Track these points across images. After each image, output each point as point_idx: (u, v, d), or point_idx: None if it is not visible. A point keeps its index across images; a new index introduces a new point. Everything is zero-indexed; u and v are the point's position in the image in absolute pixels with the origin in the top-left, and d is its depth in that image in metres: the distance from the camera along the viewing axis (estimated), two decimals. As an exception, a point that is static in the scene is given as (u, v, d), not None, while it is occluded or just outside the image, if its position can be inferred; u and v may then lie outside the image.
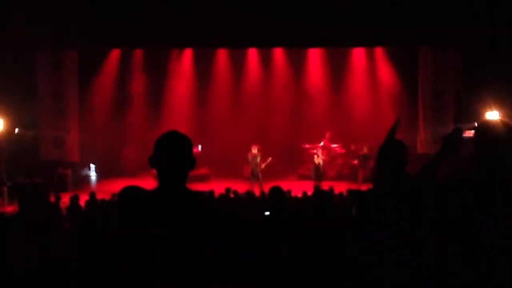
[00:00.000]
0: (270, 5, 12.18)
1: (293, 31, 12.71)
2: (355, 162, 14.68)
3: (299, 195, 8.99)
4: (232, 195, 9.06)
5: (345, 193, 8.90)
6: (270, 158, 13.07)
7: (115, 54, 15.30)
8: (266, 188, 6.57)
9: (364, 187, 10.40)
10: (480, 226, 2.70)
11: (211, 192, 8.18)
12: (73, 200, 8.28)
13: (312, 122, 15.49)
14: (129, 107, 15.70)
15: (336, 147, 15.20)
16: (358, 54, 15.60)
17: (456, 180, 3.13)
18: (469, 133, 2.62)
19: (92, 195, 8.67)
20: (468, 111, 12.95)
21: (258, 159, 13.02)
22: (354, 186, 10.95)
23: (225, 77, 15.95)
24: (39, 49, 13.71)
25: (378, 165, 2.85)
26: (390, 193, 2.71)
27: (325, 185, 11.40)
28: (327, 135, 15.04)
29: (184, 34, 12.97)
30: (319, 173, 13.25)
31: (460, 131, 2.60)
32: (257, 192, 10.75)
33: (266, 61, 15.89)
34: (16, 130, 13.29)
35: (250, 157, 13.10)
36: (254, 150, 13.06)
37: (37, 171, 12.66)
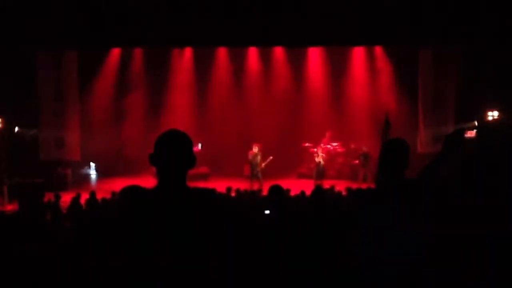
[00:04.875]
0: (270, 4, 12.18)
1: (293, 31, 12.72)
2: (355, 161, 14.71)
3: (299, 194, 8.98)
4: (233, 194, 9.06)
5: (344, 192, 8.91)
6: (270, 157, 13.07)
7: (115, 54, 15.31)
8: (266, 187, 6.57)
9: (364, 186, 10.41)
10: (479, 224, 2.71)
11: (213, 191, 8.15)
12: (75, 199, 8.29)
13: (312, 121, 15.50)
14: (129, 106, 15.71)
15: (336, 146, 15.23)
16: (358, 54, 15.61)
17: (457, 179, 3.14)
18: (470, 133, 2.62)
19: (93, 194, 8.68)
20: (468, 111, 12.94)
21: (259, 158, 13.02)
22: (354, 185, 10.95)
23: (225, 76, 15.96)
24: (39, 49, 13.72)
25: (380, 165, 2.85)
26: (390, 193, 2.71)
27: (326, 184, 11.42)
28: (327, 134, 15.07)
29: (184, 33, 12.97)
30: (320, 172, 13.26)
31: (462, 131, 2.60)
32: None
33: (266, 60, 15.90)
34: (16, 130, 13.30)
35: (250, 156, 13.10)
36: (255, 149, 13.07)
37: (37, 171, 12.67)
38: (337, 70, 15.55)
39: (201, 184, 12.09)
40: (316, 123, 15.32)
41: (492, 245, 3.14)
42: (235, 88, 16.01)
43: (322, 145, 14.64)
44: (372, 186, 3.42)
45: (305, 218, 4.81)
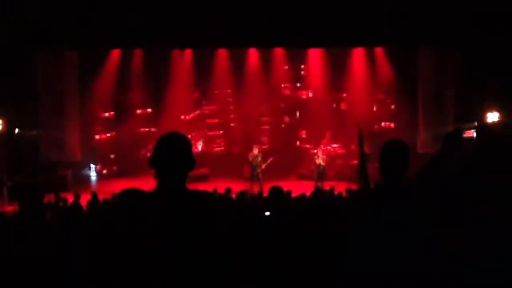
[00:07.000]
0: (270, 5, 12.18)
1: (293, 31, 12.71)
2: (355, 162, 14.71)
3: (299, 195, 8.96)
4: (233, 195, 9.04)
5: (344, 193, 8.90)
6: (271, 158, 13.08)
7: (115, 54, 15.31)
8: (266, 188, 6.58)
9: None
10: (479, 225, 2.71)
11: (213, 192, 8.16)
12: (75, 199, 8.30)
13: (312, 122, 15.51)
14: (129, 107, 15.71)
15: (336, 147, 15.24)
16: (358, 54, 15.61)
17: (455, 180, 3.13)
18: (469, 133, 2.63)
19: (94, 195, 8.68)
20: (468, 111, 12.93)
21: (259, 159, 13.02)
22: (354, 186, 10.95)
23: (225, 77, 15.96)
24: (39, 49, 13.72)
25: (380, 165, 2.84)
26: (390, 194, 2.71)
27: (327, 186, 11.42)
28: (328, 135, 15.08)
29: (184, 34, 12.97)
30: (320, 174, 13.26)
31: (460, 131, 2.60)
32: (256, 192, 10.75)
33: (266, 60, 15.90)
34: (16, 130, 13.30)
35: (250, 157, 13.11)
36: (255, 151, 13.08)
37: (37, 171, 12.66)
38: (337, 71, 15.55)
39: (201, 185, 12.12)
40: (316, 124, 15.33)
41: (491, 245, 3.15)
42: (235, 89, 16.01)
43: (322, 146, 14.65)
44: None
45: (305, 219, 4.80)
